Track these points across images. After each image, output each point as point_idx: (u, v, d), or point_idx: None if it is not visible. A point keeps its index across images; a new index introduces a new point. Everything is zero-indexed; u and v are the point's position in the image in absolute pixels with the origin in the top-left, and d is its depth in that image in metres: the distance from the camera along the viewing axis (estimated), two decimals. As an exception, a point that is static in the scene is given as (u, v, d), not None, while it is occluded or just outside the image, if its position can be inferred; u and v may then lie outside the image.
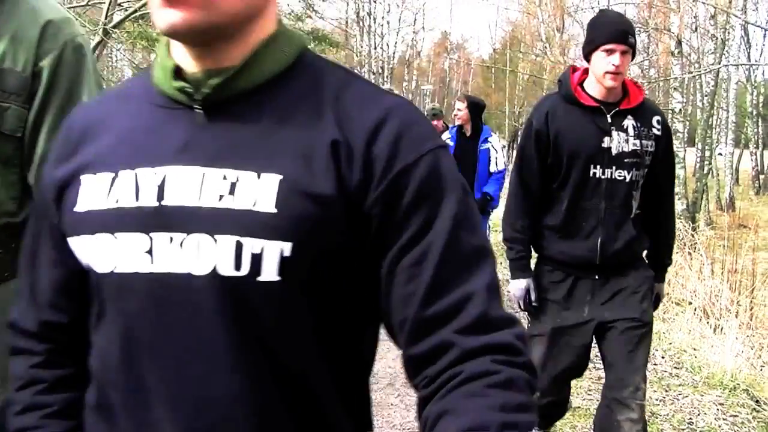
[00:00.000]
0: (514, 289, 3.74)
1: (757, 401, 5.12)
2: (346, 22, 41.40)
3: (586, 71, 3.58)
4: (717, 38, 18.16)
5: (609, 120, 3.49)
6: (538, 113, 3.60)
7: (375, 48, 41.35)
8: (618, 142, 3.48)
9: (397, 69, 46.07)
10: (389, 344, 4.87)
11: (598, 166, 3.48)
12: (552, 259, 3.69)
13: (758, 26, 31.73)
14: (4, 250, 1.88)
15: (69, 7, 10.36)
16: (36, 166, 1.88)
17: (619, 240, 3.54)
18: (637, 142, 3.51)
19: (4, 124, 1.82)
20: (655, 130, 3.58)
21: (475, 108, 7.64)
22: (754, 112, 33.51)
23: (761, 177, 33.60)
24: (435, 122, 8.96)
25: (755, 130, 33.75)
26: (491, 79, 44.74)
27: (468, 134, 7.66)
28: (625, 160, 3.49)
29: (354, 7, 41.39)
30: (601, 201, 3.51)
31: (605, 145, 3.47)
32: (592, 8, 31.53)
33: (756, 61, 34.64)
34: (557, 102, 3.59)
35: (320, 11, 29.00)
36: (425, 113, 9.58)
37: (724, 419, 4.85)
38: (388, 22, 43.08)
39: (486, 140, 7.59)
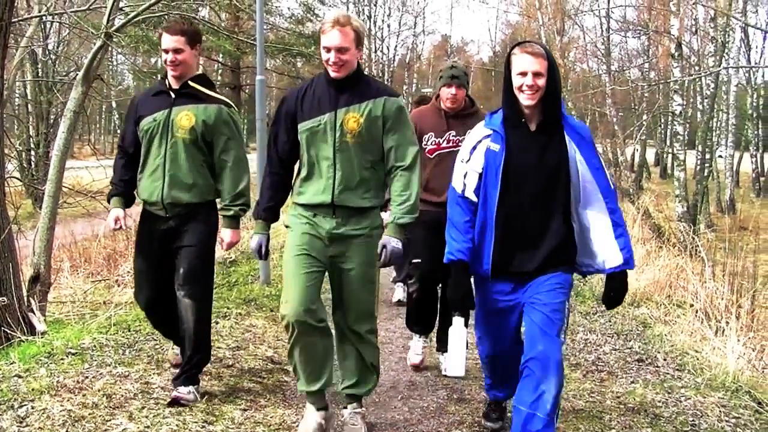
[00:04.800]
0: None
1: (759, 403, 5.13)
2: (347, 25, 41.37)
3: None
4: (717, 41, 18.13)
5: None
6: None
7: (375, 51, 41.39)
8: None
9: (398, 72, 46.10)
10: (391, 347, 4.94)
11: None
12: None
13: (758, 28, 31.74)
14: None
15: (71, 11, 10.37)
16: None
17: None
18: None
19: None
20: None
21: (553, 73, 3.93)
22: (755, 115, 33.54)
23: (761, 179, 33.59)
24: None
25: (755, 132, 33.75)
26: (492, 82, 44.71)
27: (534, 123, 3.97)
28: None
29: (354, 10, 41.40)
30: None
31: None
32: (592, 11, 31.56)
33: (756, 63, 34.64)
34: None
35: (320, 15, 29.01)
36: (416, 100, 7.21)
37: (726, 421, 4.86)
38: (388, 26, 43.17)
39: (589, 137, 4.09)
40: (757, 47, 40.84)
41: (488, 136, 4.00)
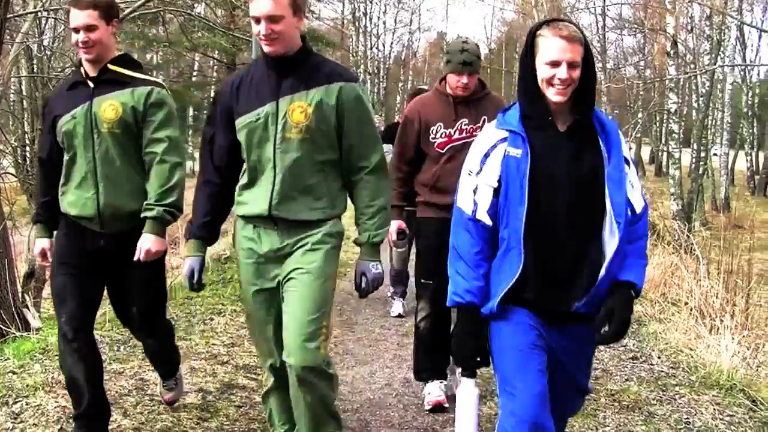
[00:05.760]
0: None
1: (753, 401, 5.13)
2: (342, 22, 41.38)
3: None
4: (713, 39, 18.18)
5: None
6: None
7: (371, 48, 41.36)
8: None
9: (393, 69, 46.09)
10: (386, 344, 4.92)
11: None
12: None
13: (753, 27, 31.79)
14: None
15: (67, 7, 10.36)
16: None
17: None
18: None
19: None
20: None
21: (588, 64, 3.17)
22: (750, 113, 33.65)
23: (756, 177, 33.67)
24: None
25: (750, 130, 33.88)
26: (487, 80, 44.76)
27: (563, 123, 3.08)
28: None
29: (350, 7, 41.39)
30: None
31: None
32: (588, 8, 31.59)
33: (751, 61, 34.73)
34: None
35: (316, 11, 29.01)
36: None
37: (720, 419, 4.87)
38: (384, 23, 43.15)
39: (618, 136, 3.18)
40: (752, 45, 41.10)
41: (504, 139, 3.03)
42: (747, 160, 33.82)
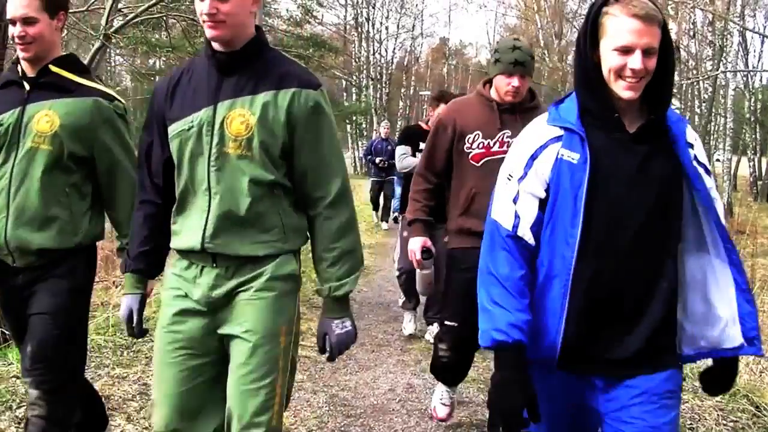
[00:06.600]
0: None
1: (757, 407, 5.12)
2: (345, 27, 41.46)
3: None
4: (715, 44, 18.17)
5: None
6: None
7: (373, 53, 41.39)
8: None
9: (396, 74, 46.10)
10: (389, 349, 4.91)
11: None
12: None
13: (756, 32, 31.79)
14: None
15: (70, 12, 10.37)
16: None
17: None
18: None
19: None
20: None
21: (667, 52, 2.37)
22: (752, 119, 33.62)
23: (759, 183, 33.64)
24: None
25: (753, 136, 33.82)
26: (489, 85, 44.64)
27: (632, 122, 2.37)
28: None
29: (353, 12, 41.45)
30: None
31: None
32: (591, 14, 31.66)
33: (754, 67, 34.73)
34: None
35: (319, 17, 29.08)
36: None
37: (724, 425, 4.86)
38: (386, 28, 43.14)
39: (685, 139, 2.40)
40: (755, 51, 41.10)
41: (557, 138, 2.37)
42: (750, 166, 33.76)
